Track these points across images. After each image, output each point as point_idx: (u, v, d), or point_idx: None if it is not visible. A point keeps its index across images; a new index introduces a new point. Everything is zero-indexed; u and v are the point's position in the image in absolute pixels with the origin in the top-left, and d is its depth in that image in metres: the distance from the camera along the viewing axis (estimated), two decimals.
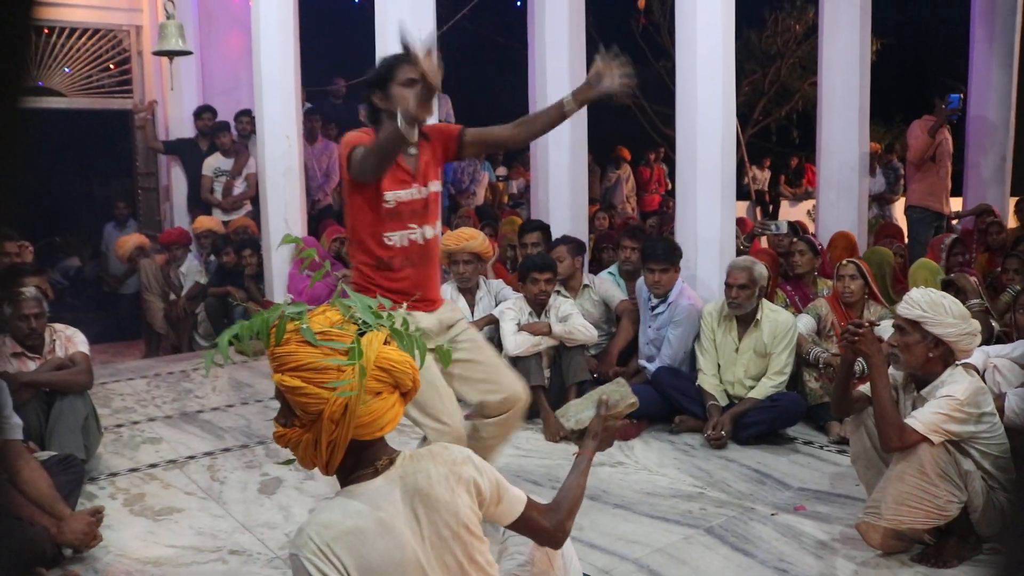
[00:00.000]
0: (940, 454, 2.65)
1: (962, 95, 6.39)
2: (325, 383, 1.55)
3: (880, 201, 9.06)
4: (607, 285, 4.92)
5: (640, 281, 4.70)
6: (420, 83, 2.32)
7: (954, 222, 7.07)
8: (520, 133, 2.86)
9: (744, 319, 4.15)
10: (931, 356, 2.75)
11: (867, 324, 2.76)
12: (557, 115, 2.77)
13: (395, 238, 2.68)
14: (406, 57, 2.49)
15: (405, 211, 2.68)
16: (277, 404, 1.68)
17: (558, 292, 4.74)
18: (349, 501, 1.62)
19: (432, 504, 1.63)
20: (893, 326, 2.87)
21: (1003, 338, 4.08)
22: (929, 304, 2.73)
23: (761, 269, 4.11)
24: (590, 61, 2.76)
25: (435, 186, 2.79)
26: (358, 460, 1.65)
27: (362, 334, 1.63)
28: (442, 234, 5.11)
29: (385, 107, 2.62)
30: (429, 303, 2.74)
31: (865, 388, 2.86)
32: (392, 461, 1.67)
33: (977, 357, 3.31)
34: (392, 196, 2.64)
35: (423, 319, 2.65)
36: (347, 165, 2.61)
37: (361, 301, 1.68)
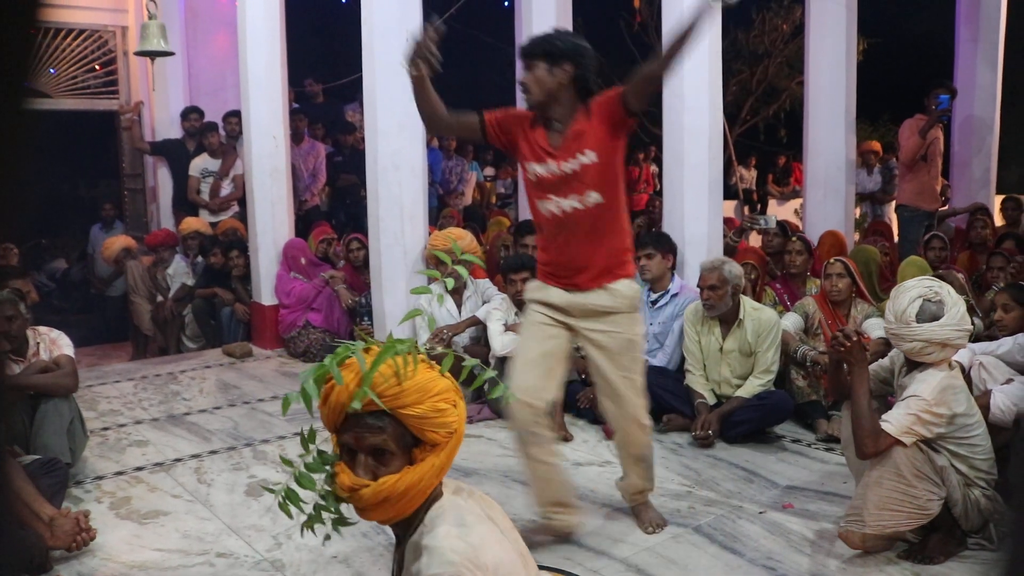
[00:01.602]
0: (914, 454, 2.66)
1: (952, 95, 6.41)
2: (457, 402, 1.62)
3: (873, 200, 9.09)
4: None
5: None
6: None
7: (949, 220, 7.10)
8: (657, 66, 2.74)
9: (726, 319, 4.11)
10: None
11: (855, 335, 2.78)
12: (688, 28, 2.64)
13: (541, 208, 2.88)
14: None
15: (545, 183, 2.84)
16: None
17: None
18: (452, 515, 1.61)
19: (492, 506, 1.73)
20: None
21: (984, 336, 4.09)
22: (895, 320, 2.77)
23: (732, 268, 4.05)
24: None
25: (584, 159, 2.76)
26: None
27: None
28: (430, 235, 5.12)
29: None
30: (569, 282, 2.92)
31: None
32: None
33: (963, 354, 3.32)
34: (530, 167, 2.85)
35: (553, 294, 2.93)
36: None
37: (400, 343, 1.69)
